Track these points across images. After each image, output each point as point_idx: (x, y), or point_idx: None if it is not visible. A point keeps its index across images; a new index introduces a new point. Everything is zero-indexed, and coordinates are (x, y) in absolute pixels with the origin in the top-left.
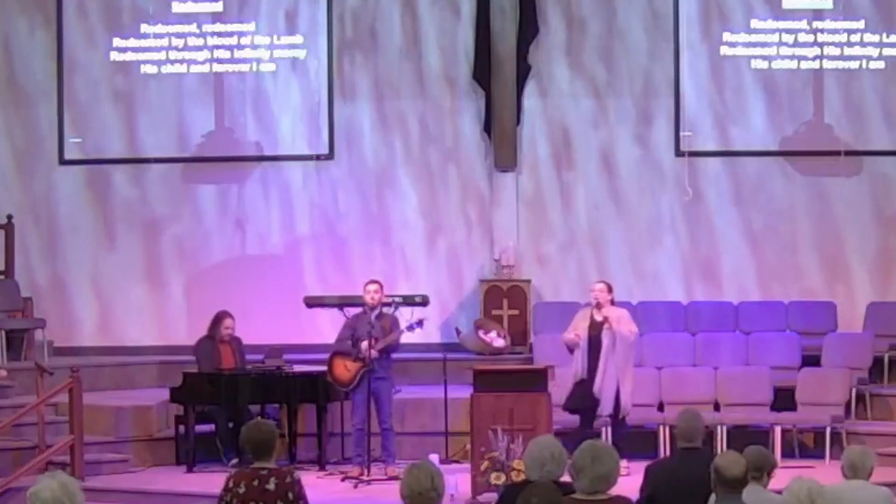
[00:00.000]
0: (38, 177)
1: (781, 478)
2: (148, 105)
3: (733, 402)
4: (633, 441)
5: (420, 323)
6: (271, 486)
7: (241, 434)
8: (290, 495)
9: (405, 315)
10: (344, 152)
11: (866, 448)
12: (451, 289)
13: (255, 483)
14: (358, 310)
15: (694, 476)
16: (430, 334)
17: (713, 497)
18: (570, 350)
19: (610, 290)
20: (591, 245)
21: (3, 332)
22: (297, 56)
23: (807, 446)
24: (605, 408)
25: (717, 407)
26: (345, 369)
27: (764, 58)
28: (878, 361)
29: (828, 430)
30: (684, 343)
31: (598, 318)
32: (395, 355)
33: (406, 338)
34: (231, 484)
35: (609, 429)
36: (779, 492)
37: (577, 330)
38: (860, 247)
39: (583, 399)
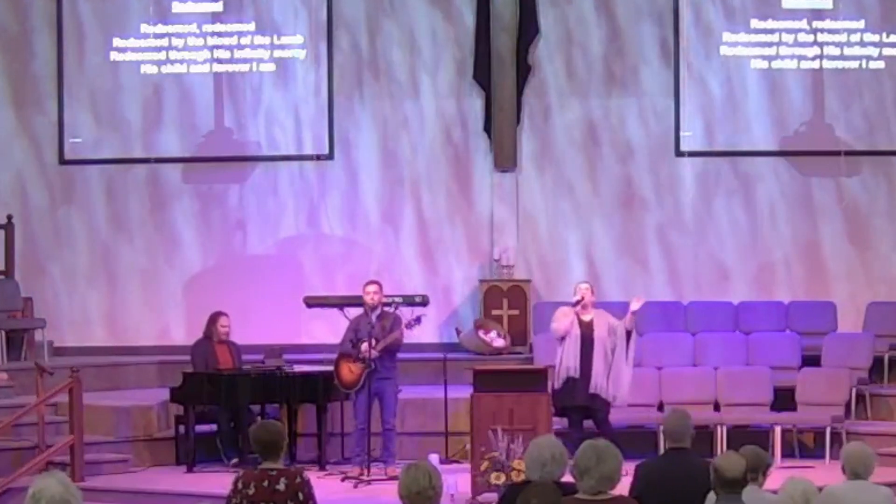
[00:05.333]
0: (38, 177)
1: (782, 478)
2: (148, 105)
3: (733, 402)
4: (633, 441)
5: (418, 320)
6: (281, 486)
7: (250, 434)
8: (301, 496)
9: (406, 315)
10: (344, 152)
11: (865, 447)
12: (451, 289)
13: (265, 484)
14: (359, 311)
15: (680, 476)
16: (430, 334)
17: (713, 498)
18: (561, 339)
19: (593, 290)
20: (591, 245)
21: (3, 332)
22: (297, 56)
23: (807, 446)
24: (621, 397)
25: (717, 407)
26: (349, 371)
27: (764, 58)
28: (878, 361)
29: (828, 430)
30: (684, 343)
31: (586, 318)
32: (399, 355)
33: (406, 337)
34: (240, 485)
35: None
36: (777, 492)
37: (566, 322)
38: (860, 246)
39: (573, 397)
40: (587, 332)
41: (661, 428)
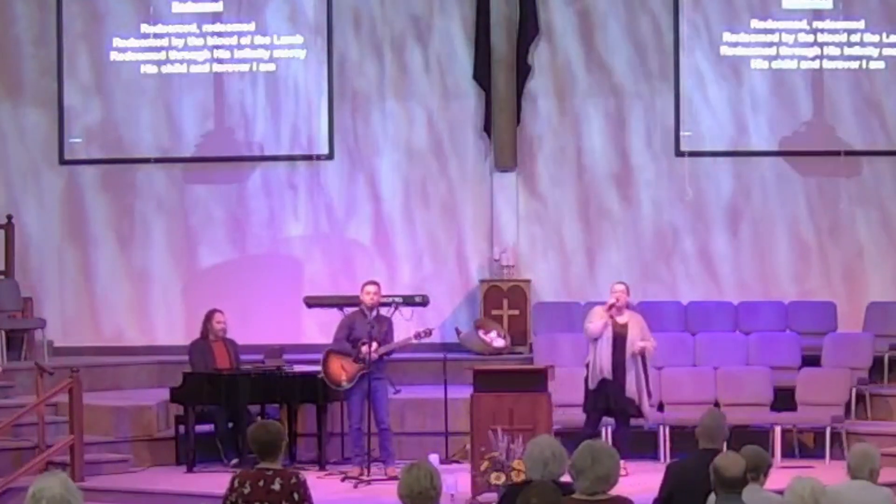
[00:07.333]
0: (38, 177)
1: (782, 478)
2: (148, 105)
3: (733, 402)
4: (633, 441)
5: (429, 332)
6: (276, 486)
7: (248, 434)
8: (296, 496)
9: (405, 315)
10: (343, 152)
11: (869, 448)
12: (451, 289)
13: (261, 483)
14: (354, 308)
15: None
16: (431, 334)
17: (713, 497)
18: (595, 339)
19: (628, 291)
20: (591, 245)
21: (3, 332)
22: (297, 56)
23: (807, 446)
24: (646, 408)
25: (717, 407)
26: (341, 369)
27: (764, 58)
28: (878, 361)
29: (828, 430)
30: (684, 343)
31: (621, 320)
32: (395, 356)
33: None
34: (236, 484)
35: (613, 429)
36: (777, 491)
37: (601, 324)
38: (860, 247)
39: (607, 399)
40: (621, 334)
41: (697, 428)
